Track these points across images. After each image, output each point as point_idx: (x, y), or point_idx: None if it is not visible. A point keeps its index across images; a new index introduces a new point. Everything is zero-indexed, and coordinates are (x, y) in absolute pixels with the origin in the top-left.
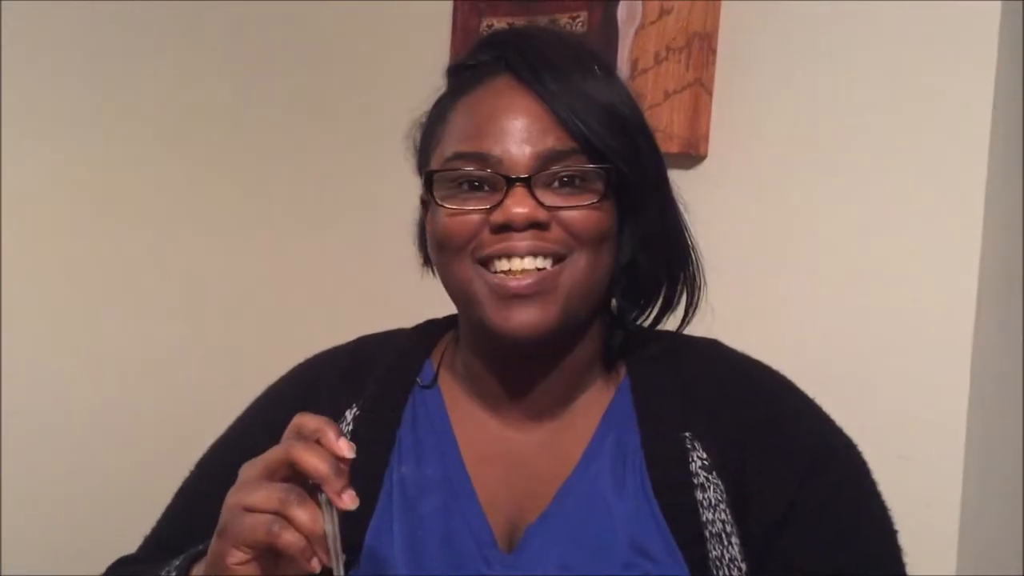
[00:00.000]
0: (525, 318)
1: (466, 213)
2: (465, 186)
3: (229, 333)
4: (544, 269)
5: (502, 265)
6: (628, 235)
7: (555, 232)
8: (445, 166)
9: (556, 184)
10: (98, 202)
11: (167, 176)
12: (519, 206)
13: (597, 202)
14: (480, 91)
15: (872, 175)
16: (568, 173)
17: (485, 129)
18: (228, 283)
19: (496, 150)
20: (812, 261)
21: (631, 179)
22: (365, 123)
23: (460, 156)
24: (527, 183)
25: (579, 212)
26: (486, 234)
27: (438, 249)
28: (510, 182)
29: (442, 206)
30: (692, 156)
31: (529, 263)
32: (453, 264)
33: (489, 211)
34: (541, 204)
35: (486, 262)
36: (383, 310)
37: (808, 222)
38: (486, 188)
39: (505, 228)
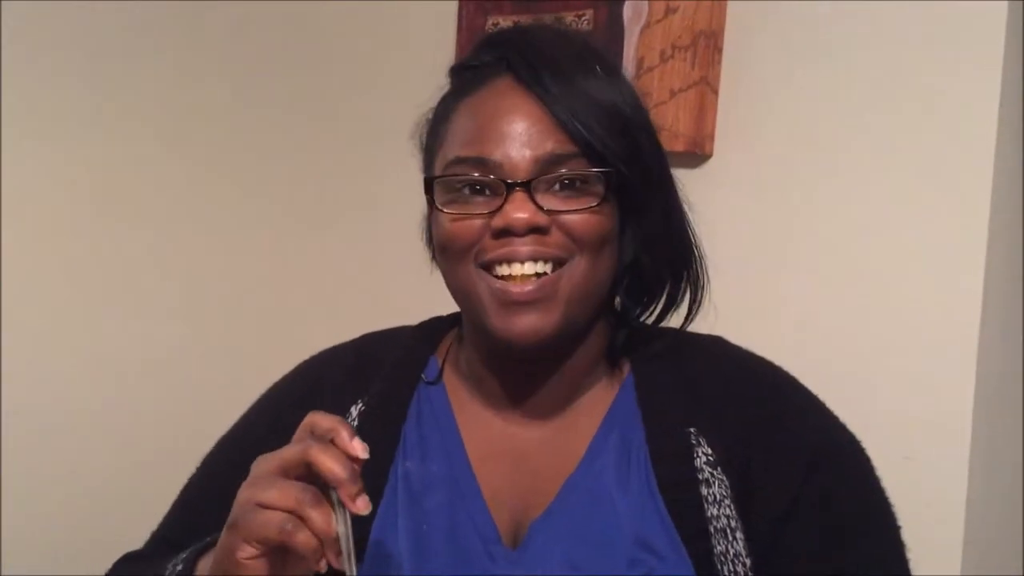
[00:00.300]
0: (527, 324)
1: (467, 218)
2: (466, 190)
3: (229, 333)
4: (545, 274)
5: (503, 270)
6: (630, 235)
7: (555, 236)
8: (446, 171)
9: (557, 187)
10: (98, 202)
11: (167, 176)
12: (519, 211)
13: (597, 205)
14: (482, 92)
15: (877, 175)
16: (568, 177)
17: (486, 132)
18: (228, 283)
19: (496, 154)
20: (818, 260)
21: (632, 181)
22: (368, 123)
23: (461, 160)
24: (527, 187)
25: (579, 216)
26: (488, 239)
27: (441, 252)
28: (510, 187)
29: (443, 211)
30: (697, 155)
31: (530, 268)
32: (457, 268)
33: (490, 216)
34: (541, 208)
35: (488, 266)
36: (384, 310)
37: (814, 221)
38: (487, 192)
39: (506, 233)
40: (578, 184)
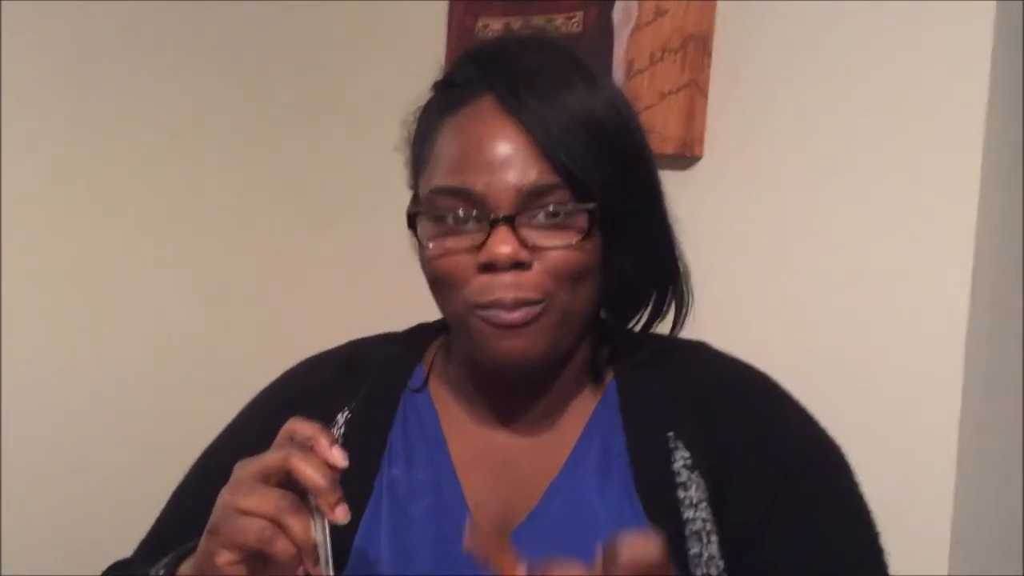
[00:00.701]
0: (515, 348)
1: (453, 254)
2: (450, 219)
3: (229, 333)
4: (529, 303)
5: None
6: (616, 257)
7: (536, 271)
8: (429, 201)
9: (541, 217)
10: (98, 202)
11: (167, 176)
12: (502, 245)
13: (579, 241)
14: (466, 111)
15: (867, 177)
16: (551, 210)
17: (469, 159)
18: (228, 283)
19: (479, 185)
20: (807, 262)
21: (618, 208)
22: (363, 123)
23: (443, 191)
24: (510, 222)
25: (561, 253)
26: (474, 273)
27: (433, 284)
28: (493, 222)
29: (429, 247)
30: (687, 157)
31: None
32: (448, 302)
33: (474, 250)
34: (524, 245)
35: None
36: (384, 310)
37: (803, 224)
38: (471, 222)
39: (489, 267)
40: (562, 215)
